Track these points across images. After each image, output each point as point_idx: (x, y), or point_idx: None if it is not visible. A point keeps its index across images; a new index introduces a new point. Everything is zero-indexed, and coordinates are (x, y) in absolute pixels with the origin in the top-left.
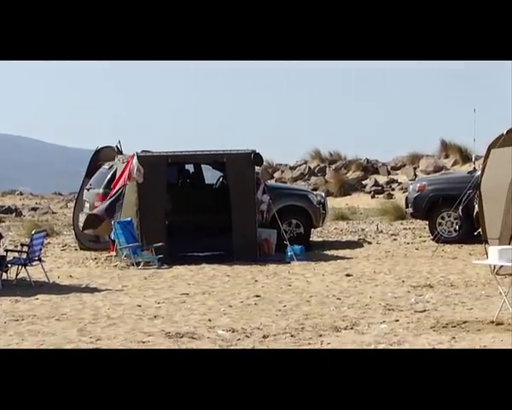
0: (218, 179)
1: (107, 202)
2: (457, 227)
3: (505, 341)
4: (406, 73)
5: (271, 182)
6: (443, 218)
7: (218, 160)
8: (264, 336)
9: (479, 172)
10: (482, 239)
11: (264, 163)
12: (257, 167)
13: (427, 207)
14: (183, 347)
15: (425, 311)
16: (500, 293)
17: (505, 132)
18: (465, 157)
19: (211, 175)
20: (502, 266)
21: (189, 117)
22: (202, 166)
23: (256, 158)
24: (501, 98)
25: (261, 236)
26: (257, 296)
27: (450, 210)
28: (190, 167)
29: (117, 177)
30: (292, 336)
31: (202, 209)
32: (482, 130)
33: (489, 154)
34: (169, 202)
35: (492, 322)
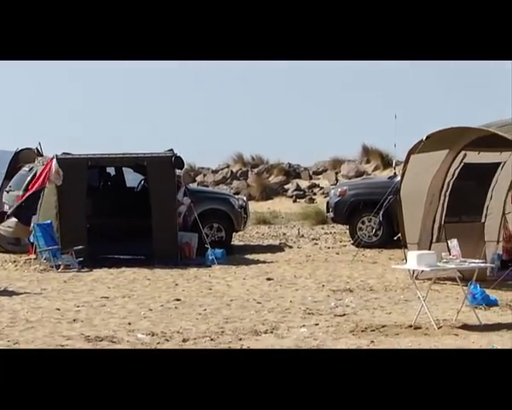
0: (140, 182)
1: (15, 206)
2: (377, 232)
3: (423, 345)
4: (329, 76)
5: (193, 185)
6: (363, 222)
7: (139, 163)
8: (184, 340)
9: (399, 178)
10: (402, 244)
11: (186, 166)
12: (178, 171)
13: (348, 211)
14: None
15: (344, 315)
16: (418, 298)
17: (425, 138)
18: (386, 162)
19: (132, 178)
20: (421, 271)
21: (113, 119)
22: (124, 169)
23: (177, 161)
24: (420, 104)
25: (182, 239)
26: (177, 300)
27: (371, 215)
28: (112, 170)
29: (34, 179)
30: (212, 339)
31: (123, 212)
32: (403, 136)
33: (409, 159)
34: (90, 205)
35: (411, 326)
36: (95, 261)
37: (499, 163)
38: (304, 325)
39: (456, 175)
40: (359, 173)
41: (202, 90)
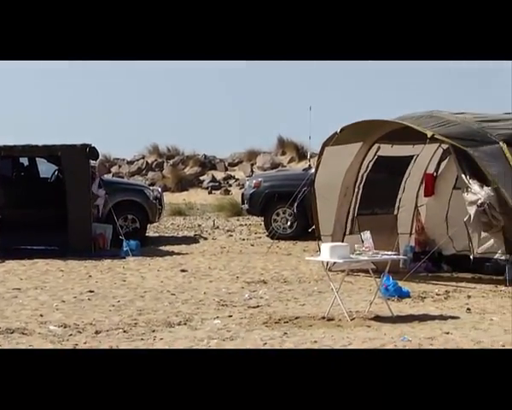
0: (54, 173)
1: None
2: (292, 224)
3: (335, 336)
4: (245, 67)
5: (108, 176)
6: (278, 214)
7: (52, 153)
8: (97, 332)
9: (314, 170)
10: (316, 236)
11: (101, 157)
12: (93, 161)
13: (263, 203)
14: (14, 342)
15: (258, 306)
16: (332, 289)
17: (339, 131)
18: (301, 154)
19: (46, 168)
20: (335, 263)
21: (27, 109)
22: (37, 159)
23: (91, 152)
24: (336, 97)
25: (96, 230)
26: (90, 292)
27: (285, 207)
28: (25, 161)
29: None
30: (125, 331)
31: (37, 203)
32: (318, 128)
33: (323, 151)
34: (2, 196)
35: (324, 318)
36: (7, 253)
37: (412, 156)
38: (217, 317)
39: (369, 168)
40: (275, 165)
41: (118, 79)
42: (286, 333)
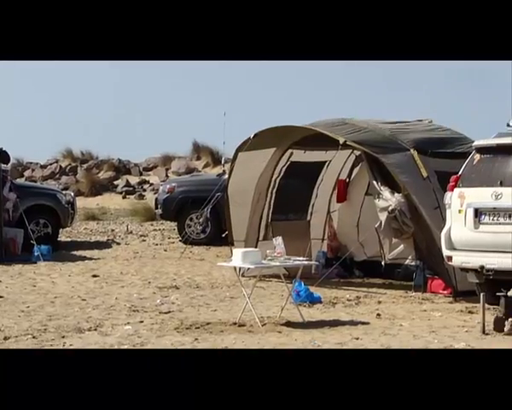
0: None
1: None
2: (205, 229)
3: (246, 342)
4: (160, 72)
5: (20, 180)
6: (191, 219)
7: None
8: (6, 338)
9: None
10: (229, 241)
11: (14, 161)
12: (4, 165)
13: (177, 208)
14: None
15: (170, 312)
16: (244, 295)
17: (252, 136)
18: (216, 160)
19: None
20: (247, 269)
21: None
22: None
23: (2, 155)
24: (251, 102)
25: (7, 235)
26: (0, 297)
27: (199, 212)
28: None
29: None
30: (34, 337)
31: None
32: (233, 133)
33: (236, 157)
34: None
35: (235, 323)
36: None
37: (325, 162)
38: (128, 323)
39: (282, 173)
40: (190, 170)
41: (31, 81)
42: (197, 339)
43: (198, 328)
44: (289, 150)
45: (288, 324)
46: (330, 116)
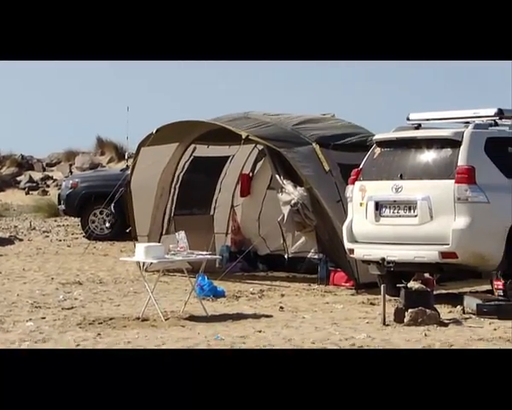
0: None
1: None
2: (109, 224)
3: (149, 336)
4: (63, 68)
5: None
6: (95, 215)
7: None
8: None
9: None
10: (132, 236)
11: None
12: None
13: (80, 204)
14: None
15: (72, 308)
16: (147, 290)
17: (154, 131)
18: (121, 155)
19: None
20: (150, 263)
21: None
22: None
23: None
24: (155, 98)
25: None
26: None
27: (102, 207)
28: None
29: None
30: None
31: None
32: (136, 128)
33: (139, 152)
34: None
35: (138, 318)
36: None
37: (228, 156)
38: (30, 319)
39: (186, 168)
40: (94, 165)
41: None
42: (99, 334)
43: (101, 323)
44: (192, 145)
45: (192, 318)
46: (234, 111)
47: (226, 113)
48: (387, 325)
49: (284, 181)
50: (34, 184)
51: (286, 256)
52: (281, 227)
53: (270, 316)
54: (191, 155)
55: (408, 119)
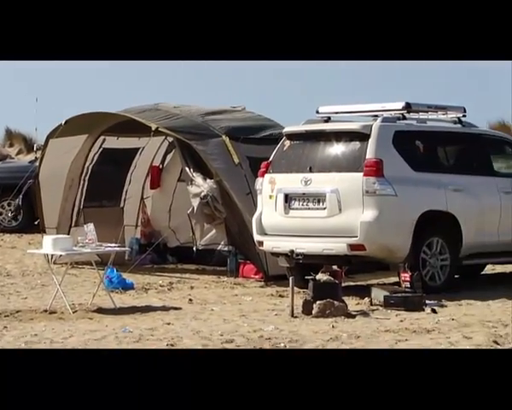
0: None
1: None
2: (17, 216)
3: (57, 329)
4: None
5: None
6: (3, 207)
7: None
8: None
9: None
10: (41, 229)
11: None
12: None
13: None
14: None
15: None
16: (55, 282)
17: (63, 122)
18: (30, 146)
19: None
20: (59, 256)
21: None
22: None
23: None
24: (64, 88)
25: None
26: None
27: (10, 199)
28: None
29: None
30: None
31: None
32: (45, 119)
33: (47, 143)
34: None
35: (46, 311)
36: None
37: (138, 148)
38: None
39: (95, 160)
40: (2, 157)
41: None
42: (6, 327)
43: (7, 316)
44: (102, 137)
45: (100, 310)
46: (144, 102)
47: (136, 105)
48: (296, 317)
49: (194, 173)
50: None
51: (195, 249)
52: (190, 220)
53: (179, 308)
54: (101, 146)
55: (317, 112)
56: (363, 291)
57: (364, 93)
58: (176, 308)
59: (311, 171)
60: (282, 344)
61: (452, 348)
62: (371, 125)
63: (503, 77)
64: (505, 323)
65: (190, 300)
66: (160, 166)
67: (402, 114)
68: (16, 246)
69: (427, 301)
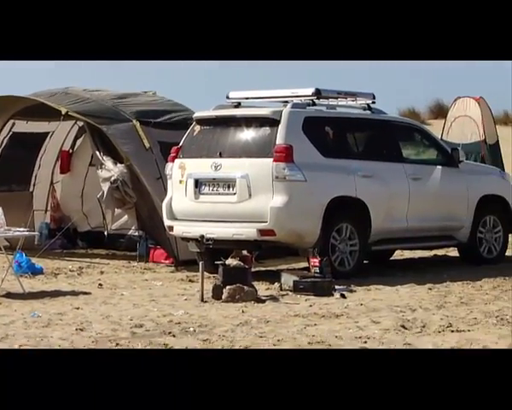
0: None
1: None
2: None
3: None
4: None
5: None
6: None
7: None
8: None
9: None
10: None
11: None
12: None
13: None
14: None
15: None
16: None
17: None
18: None
19: None
20: None
21: None
22: None
23: None
24: None
25: None
26: None
27: None
28: None
29: None
30: None
31: None
32: None
33: None
34: None
35: None
36: None
37: (48, 132)
38: None
39: (4, 144)
40: None
41: None
42: None
43: None
44: (11, 121)
45: (9, 295)
46: (54, 86)
47: (46, 88)
48: (205, 302)
49: (104, 158)
50: None
51: (105, 233)
52: (101, 204)
53: (89, 293)
54: (10, 130)
55: (228, 97)
56: (273, 276)
57: (277, 80)
58: (85, 293)
59: (221, 156)
60: (192, 328)
61: (360, 332)
62: (281, 111)
63: (413, 66)
64: (413, 308)
65: (100, 285)
66: (70, 151)
67: (312, 99)
68: None
69: (337, 287)
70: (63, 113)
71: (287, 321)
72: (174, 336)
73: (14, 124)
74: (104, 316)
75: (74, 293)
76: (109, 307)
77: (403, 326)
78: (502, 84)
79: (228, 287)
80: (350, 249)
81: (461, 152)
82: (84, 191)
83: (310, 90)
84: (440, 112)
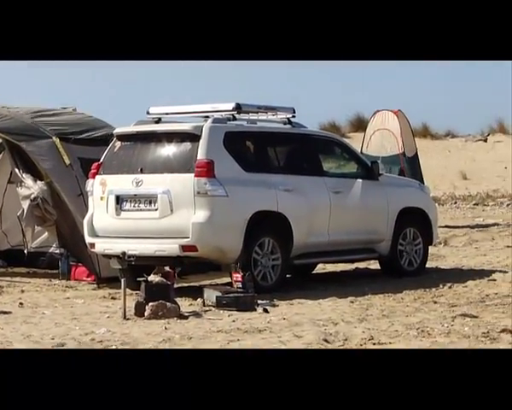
0: None
1: None
2: None
3: None
4: None
5: None
6: None
7: None
8: None
9: None
10: None
11: None
12: None
13: None
14: None
15: None
16: None
17: None
18: None
19: None
20: None
21: None
22: None
23: None
24: None
25: None
26: None
27: None
28: None
29: None
30: None
31: None
32: None
33: None
34: None
35: None
36: None
37: None
38: None
39: None
40: None
41: None
42: None
43: None
44: None
45: None
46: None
47: None
48: (128, 319)
49: (24, 175)
50: None
51: (26, 251)
52: (20, 222)
53: (9, 312)
54: None
55: (148, 112)
56: (196, 292)
57: (198, 94)
58: (5, 312)
59: (142, 172)
60: (114, 346)
61: (283, 347)
62: (202, 126)
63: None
64: (335, 321)
65: (21, 303)
66: None
67: (232, 114)
68: None
69: (259, 301)
70: None
71: (210, 337)
72: None
73: None
74: (25, 336)
75: None
76: (30, 327)
77: (325, 340)
78: (421, 97)
79: (150, 304)
80: (272, 264)
81: (380, 165)
82: (2, 209)
83: (230, 105)
84: (361, 125)
